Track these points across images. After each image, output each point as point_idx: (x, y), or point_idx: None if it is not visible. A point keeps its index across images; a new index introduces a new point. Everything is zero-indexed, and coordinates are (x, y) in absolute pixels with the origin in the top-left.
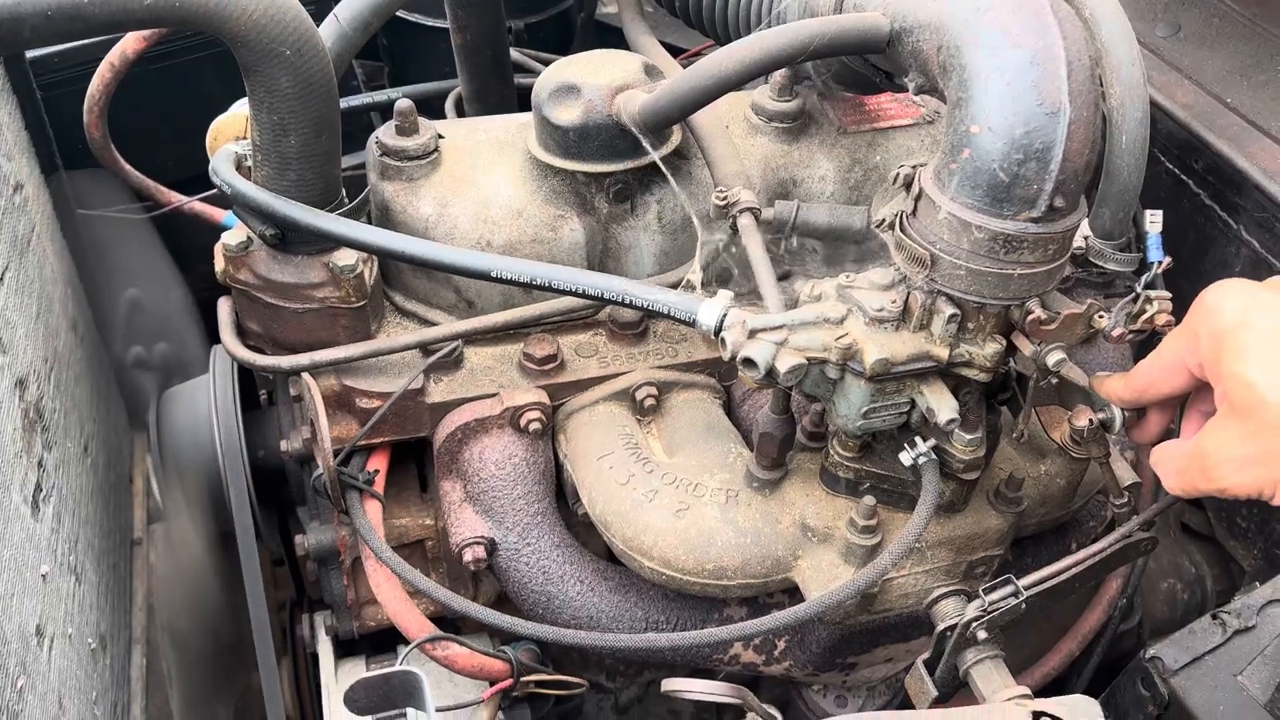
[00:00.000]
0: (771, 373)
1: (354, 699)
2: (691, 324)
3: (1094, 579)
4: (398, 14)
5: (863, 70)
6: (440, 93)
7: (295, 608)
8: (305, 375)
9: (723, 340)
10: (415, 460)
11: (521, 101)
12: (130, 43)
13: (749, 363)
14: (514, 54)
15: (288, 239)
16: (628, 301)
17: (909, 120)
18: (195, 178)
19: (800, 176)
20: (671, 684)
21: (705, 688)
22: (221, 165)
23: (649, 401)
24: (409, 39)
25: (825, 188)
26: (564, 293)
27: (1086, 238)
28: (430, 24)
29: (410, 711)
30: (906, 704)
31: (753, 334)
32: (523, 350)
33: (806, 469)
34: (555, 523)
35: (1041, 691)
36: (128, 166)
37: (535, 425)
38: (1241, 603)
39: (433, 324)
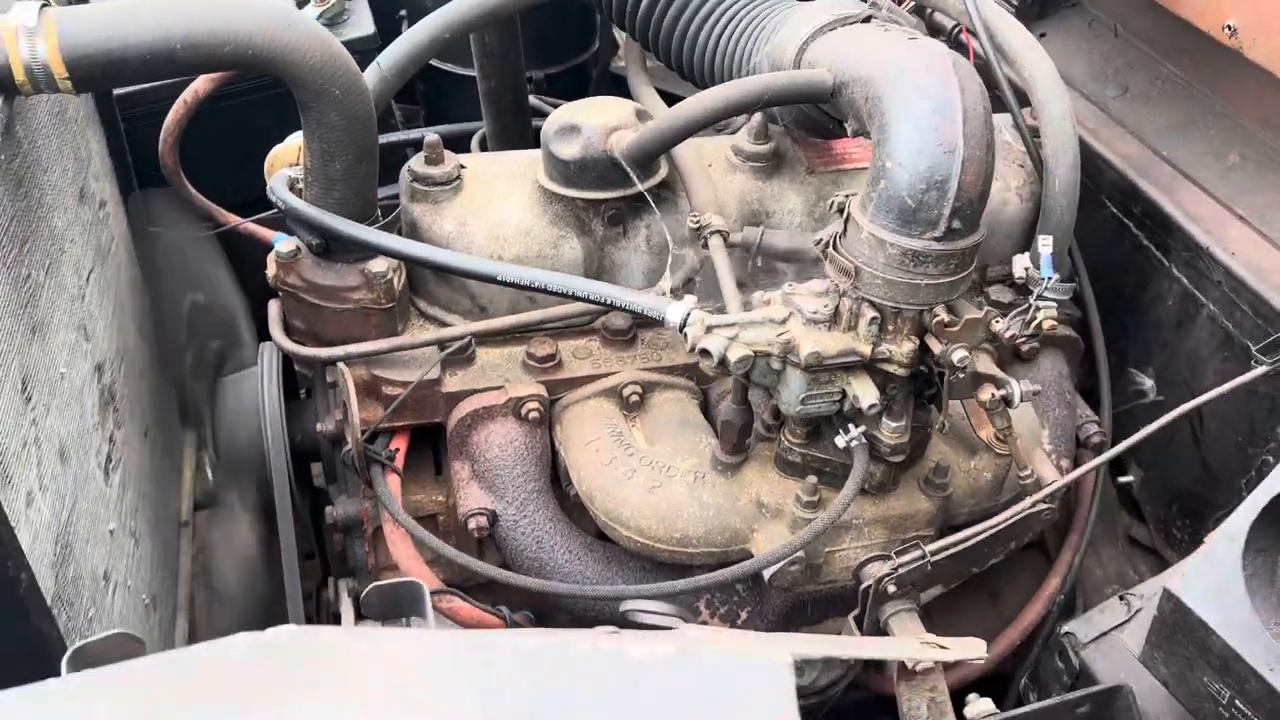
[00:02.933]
0: (724, 361)
1: (369, 603)
2: (661, 321)
3: (1002, 549)
4: (432, 63)
5: (818, 117)
6: (467, 132)
7: (321, 588)
8: (340, 364)
9: (685, 334)
10: (431, 446)
11: (536, 140)
12: (202, 83)
13: (705, 353)
14: (532, 100)
15: (331, 248)
16: (610, 303)
17: (868, 163)
18: (251, 201)
19: (772, 209)
20: (628, 605)
21: (656, 608)
22: (278, 186)
23: (634, 398)
24: (442, 85)
25: (793, 219)
26: (558, 294)
27: (1026, 268)
28: (460, 72)
29: (414, 620)
30: None
31: (709, 330)
32: (526, 350)
33: (764, 455)
34: (549, 500)
35: (987, 677)
36: (193, 190)
37: (534, 414)
38: (1146, 586)
39: (449, 326)
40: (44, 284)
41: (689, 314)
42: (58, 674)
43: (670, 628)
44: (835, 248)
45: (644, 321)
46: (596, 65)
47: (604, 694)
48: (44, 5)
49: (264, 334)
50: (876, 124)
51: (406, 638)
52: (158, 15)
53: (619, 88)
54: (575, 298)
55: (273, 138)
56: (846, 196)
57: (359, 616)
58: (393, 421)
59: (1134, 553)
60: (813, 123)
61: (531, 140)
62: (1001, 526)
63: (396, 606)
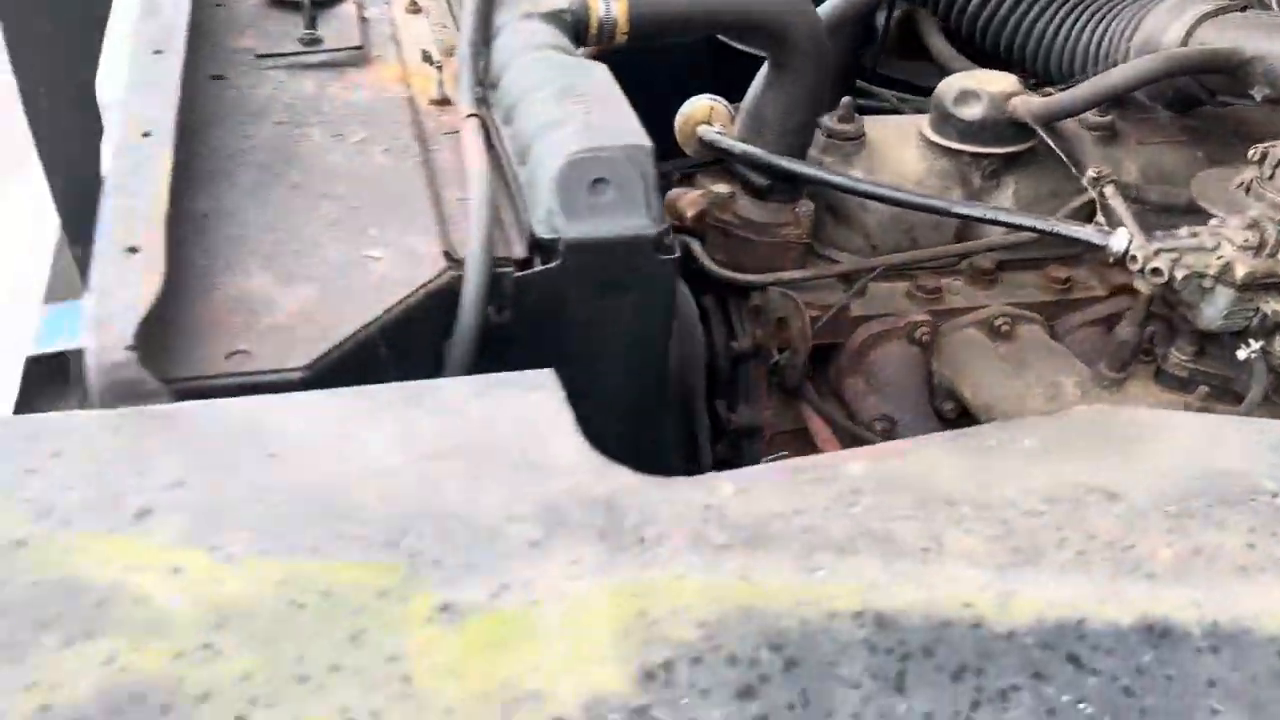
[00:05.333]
0: (1170, 280)
1: None
2: (1102, 249)
3: None
4: None
5: (1195, 92)
6: None
7: None
8: (771, 289)
9: (1133, 257)
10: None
11: None
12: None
13: (1156, 271)
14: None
15: (770, 189)
16: (1057, 233)
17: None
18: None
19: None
20: None
21: None
22: (718, 136)
23: (1004, 328)
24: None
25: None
26: (1007, 225)
27: None
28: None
29: None
30: None
31: (1157, 253)
32: (914, 283)
33: (1141, 373)
34: (930, 414)
35: None
36: None
37: (926, 337)
38: None
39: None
40: None
41: (1131, 239)
42: None
43: None
44: (1262, 186)
45: (1003, 264)
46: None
47: None
48: None
49: None
50: None
51: None
52: None
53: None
54: (1022, 228)
55: (670, 98)
56: (1269, 147)
57: None
58: (810, 341)
59: None
60: (1182, 97)
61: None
62: None
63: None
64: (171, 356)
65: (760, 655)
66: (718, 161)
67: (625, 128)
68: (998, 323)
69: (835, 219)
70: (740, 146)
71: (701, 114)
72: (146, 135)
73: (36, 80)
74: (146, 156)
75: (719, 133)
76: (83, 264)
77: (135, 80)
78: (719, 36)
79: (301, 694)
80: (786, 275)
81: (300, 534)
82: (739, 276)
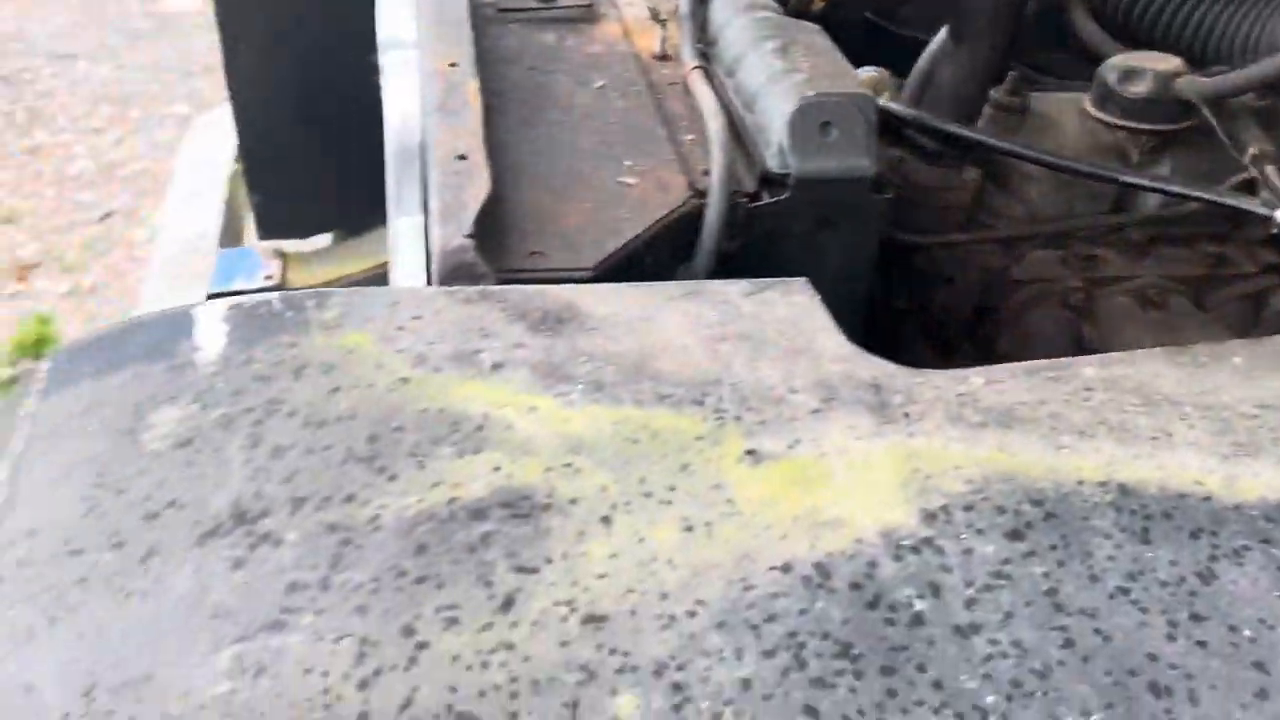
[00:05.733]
0: None
1: None
2: (1266, 219)
3: None
4: None
5: None
6: None
7: None
8: (935, 249)
9: None
10: None
11: None
12: None
13: None
14: None
15: (940, 155)
16: (1220, 202)
17: None
18: None
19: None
20: None
21: None
22: (896, 105)
23: (1156, 298)
24: None
25: None
26: (1175, 194)
27: None
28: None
29: None
30: None
31: None
32: (1069, 251)
33: None
34: None
35: None
36: None
37: (1080, 303)
38: None
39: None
40: None
41: None
42: None
43: None
44: None
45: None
46: None
47: None
48: None
49: None
50: None
51: None
52: None
53: None
54: (1188, 197)
55: None
56: None
57: None
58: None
59: None
60: None
61: None
62: None
63: None
64: (488, 250)
65: (1023, 508)
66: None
67: (849, 79)
68: (1150, 292)
69: (997, 187)
70: (913, 113)
71: (869, 83)
72: (454, 65)
73: (237, 26)
74: (457, 82)
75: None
76: (260, 210)
77: (430, 19)
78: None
79: (649, 505)
80: (951, 237)
81: (621, 390)
82: (907, 236)
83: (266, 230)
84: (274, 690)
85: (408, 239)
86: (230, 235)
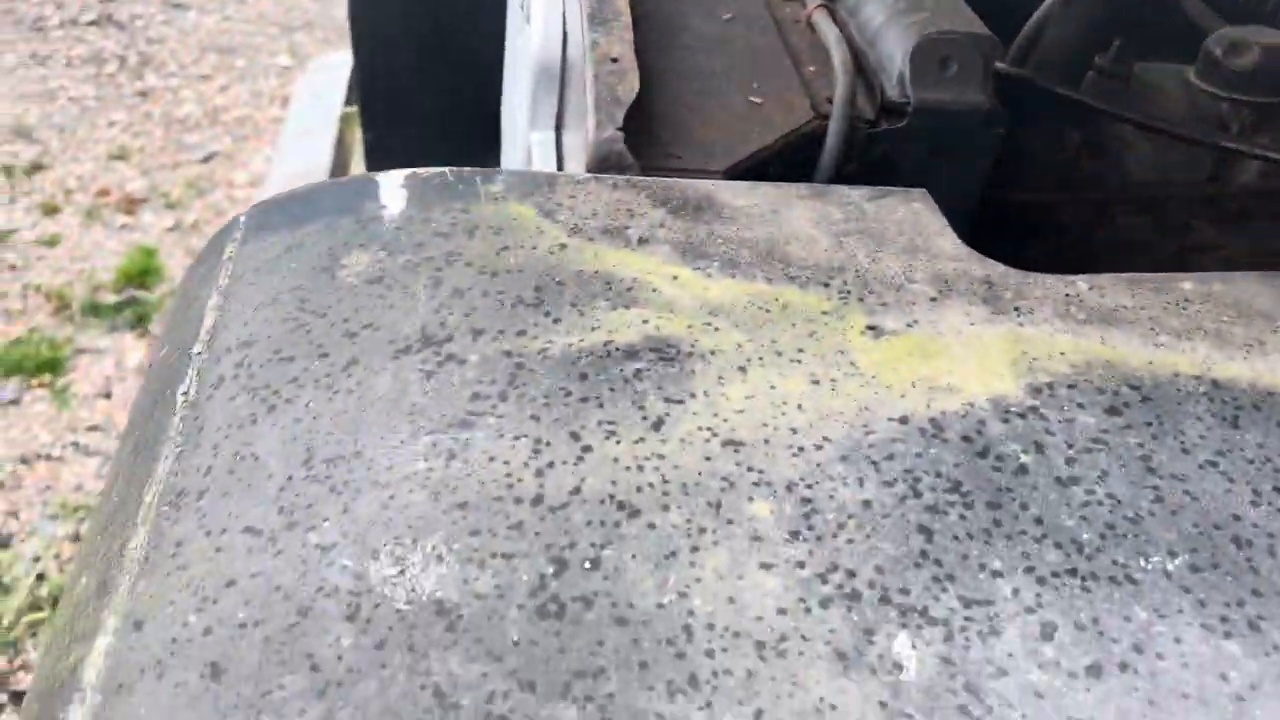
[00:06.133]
0: None
1: None
2: None
3: None
4: None
5: None
6: None
7: None
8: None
9: None
10: None
11: None
12: None
13: None
14: None
15: (1039, 117)
16: None
17: None
18: None
19: None
20: None
21: None
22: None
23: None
24: None
25: None
26: (1272, 159)
27: None
28: None
29: None
30: None
31: None
32: (1163, 218)
33: None
34: None
35: None
36: None
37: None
38: None
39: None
40: None
41: None
42: None
43: None
44: None
45: (1252, 209)
46: None
47: None
48: None
49: None
50: None
51: None
52: None
53: None
54: None
55: None
56: None
57: None
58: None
59: None
60: None
61: None
62: None
63: None
64: (634, 146)
65: (1122, 390)
66: None
67: (969, 20)
68: (1241, 261)
69: (1092, 153)
70: (1018, 72)
71: None
72: None
73: None
74: None
75: None
76: (372, 148)
77: None
78: None
79: (780, 362)
80: (1045, 197)
81: (754, 268)
82: (1005, 193)
83: (376, 166)
84: (464, 471)
85: (541, 150)
86: (339, 171)
